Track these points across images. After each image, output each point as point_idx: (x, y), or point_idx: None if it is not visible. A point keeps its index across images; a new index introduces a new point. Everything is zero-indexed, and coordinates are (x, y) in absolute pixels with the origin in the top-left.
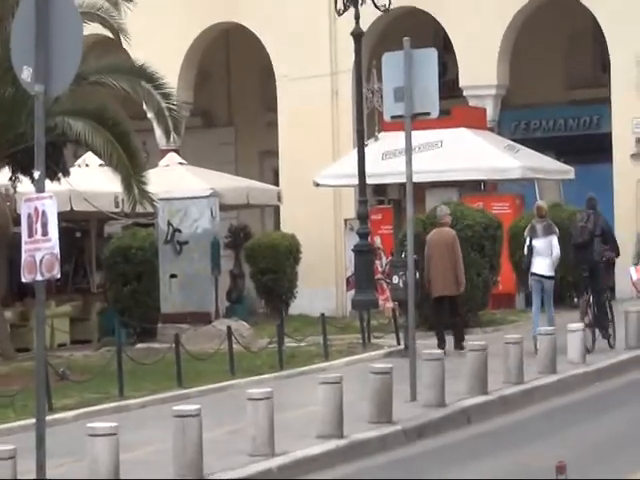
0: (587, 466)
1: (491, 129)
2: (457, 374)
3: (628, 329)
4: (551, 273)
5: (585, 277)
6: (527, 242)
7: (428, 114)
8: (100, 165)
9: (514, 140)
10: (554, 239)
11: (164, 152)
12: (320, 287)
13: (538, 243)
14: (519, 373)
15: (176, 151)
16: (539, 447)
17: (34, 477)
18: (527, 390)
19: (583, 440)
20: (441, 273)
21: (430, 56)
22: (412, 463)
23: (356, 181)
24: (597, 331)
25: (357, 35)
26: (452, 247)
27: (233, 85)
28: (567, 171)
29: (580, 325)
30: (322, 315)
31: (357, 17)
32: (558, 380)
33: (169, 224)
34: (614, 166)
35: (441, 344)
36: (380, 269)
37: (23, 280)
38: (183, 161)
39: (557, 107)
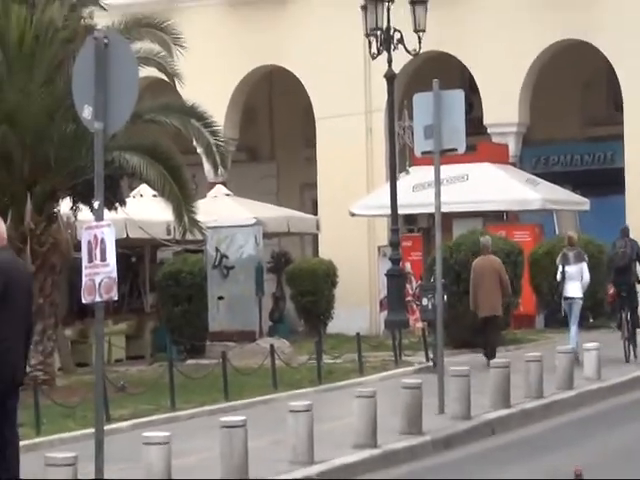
0: (601, 475)
1: (513, 164)
2: (482, 389)
3: None
4: (580, 295)
5: (624, 297)
6: (560, 269)
7: (455, 150)
8: (153, 196)
9: (534, 174)
10: (584, 265)
11: (212, 184)
12: (355, 308)
13: (570, 269)
14: (539, 388)
15: (223, 183)
16: (558, 457)
17: None
18: (546, 404)
19: (597, 451)
20: (489, 296)
21: (457, 97)
22: (440, 472)
23: (388, 211)
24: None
25: (390, 77)
26: (500, 272)
27: (275, 123)
28: (583, 203)
29: (595, 344)
30: (357, 334)
31: (390, 61)
32: (575, 395)
33: (217, 250)
34: (627, 199)
35: (489, 357)
36: (410, 292)
37: (83, 301)
38: (229, 192)
39: (574, 143)
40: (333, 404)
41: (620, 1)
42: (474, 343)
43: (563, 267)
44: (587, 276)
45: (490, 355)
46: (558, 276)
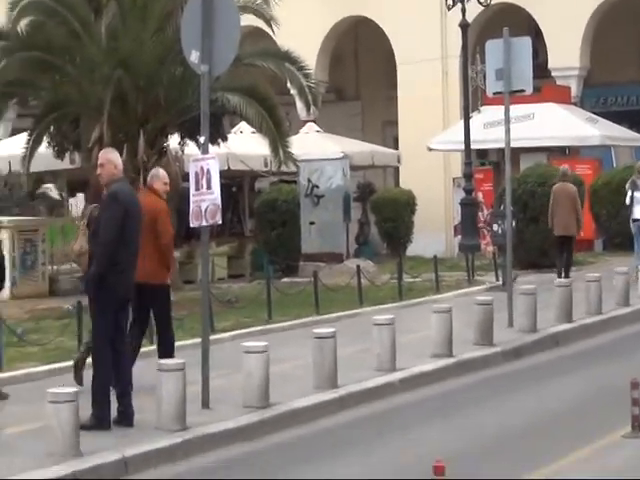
0: None
1: (575, 104)
2: (546, 305)
3: None
4: None
5: None
6: (629, 194)
7: (523, 91)
8: (252, 132)
9: (594, 113)
10: None
11: (304, 122)
12: (432, 233)
13: (638, 194)
14: (598, 305)
15: (314, 121)
16: (615, 367)
17: (200, 386)
18: (605, 320)
19: None
20: (563, 218)
21: (525, 43)
22: (509, 379)
23: (462, 146)
24: None
25: (464, 26)
26: (574, 198)
27: (360, 66)
28: (638, 139)
29: None
30: (434, 256)
31: (463, 11)
32: (631, 312)
33: (309, 181)
34: None
35: (560, 274)
36: (482, 219)
37: (191, 225)
38: (319, 129)
39: (631, 85)
40: (413, 318)
41: None
42: (540, 264)
43: (632, 192)
44: None
45: (566, 273)
46: (627, 200)
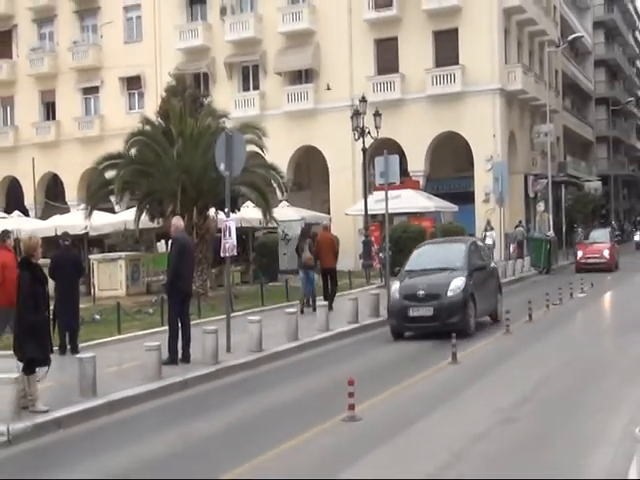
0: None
1: (422, 190)
2: None
3: None
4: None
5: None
6: (483, 236)
7: (394, 182)
8: (253, 206)
9: (432, 194)
10: (493, 233)
11: (280, 201)
12: (347, 258)
13: (488, 234)
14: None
15: (286, 200)
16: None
17: (225, 340)
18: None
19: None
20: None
21: (395, 158)
22: (380, 335)
23: (363, 212)
24: None
25: (364, 150)
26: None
27: (310, 171)
28: (454, 207)
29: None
30: (349, 271)
31: (363, 142)
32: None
33: (283, 231)
34: (475, 206)
35: None
36: (374, 251)
37: (221, 255)
38: (289, 205)
39: (450, 179)
40: (339, 304)
41: (470, 107)
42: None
43: (485, 235)
44: (490, 241)
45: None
46: (486, 240)
